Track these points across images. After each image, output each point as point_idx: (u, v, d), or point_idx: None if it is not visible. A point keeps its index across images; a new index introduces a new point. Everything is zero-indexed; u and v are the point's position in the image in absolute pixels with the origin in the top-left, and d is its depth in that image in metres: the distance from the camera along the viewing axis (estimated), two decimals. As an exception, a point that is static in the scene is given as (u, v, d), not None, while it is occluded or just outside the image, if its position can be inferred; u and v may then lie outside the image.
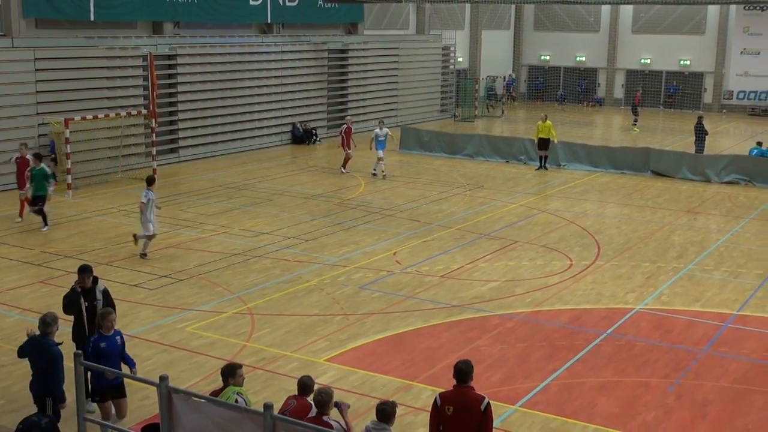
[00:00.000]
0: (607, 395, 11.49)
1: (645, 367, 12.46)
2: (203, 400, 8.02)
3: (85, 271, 10.80)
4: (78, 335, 10.70)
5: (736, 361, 12.74)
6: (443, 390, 10.73)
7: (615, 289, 16.00)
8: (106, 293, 10.88)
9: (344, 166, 27.54)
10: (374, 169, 26.86)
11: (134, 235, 17.55)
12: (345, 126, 27.83)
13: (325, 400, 8.31)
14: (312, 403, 8.65)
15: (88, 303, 10.63)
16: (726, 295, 15.85)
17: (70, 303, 10.71)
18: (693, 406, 11.24)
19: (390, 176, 26.56)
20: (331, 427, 8.14)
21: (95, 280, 10.83)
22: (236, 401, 8.44)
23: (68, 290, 10.94)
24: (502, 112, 45.92)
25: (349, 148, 27.43)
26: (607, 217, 22.16)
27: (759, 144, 29.17)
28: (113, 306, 10.73)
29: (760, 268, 17.61)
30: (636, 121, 39.74)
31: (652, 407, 11.15)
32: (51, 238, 18.77)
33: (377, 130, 26.82)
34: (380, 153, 26.36)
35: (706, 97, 48.62)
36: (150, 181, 17.48)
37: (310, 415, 8.41)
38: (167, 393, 7.93)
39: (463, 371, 8.08)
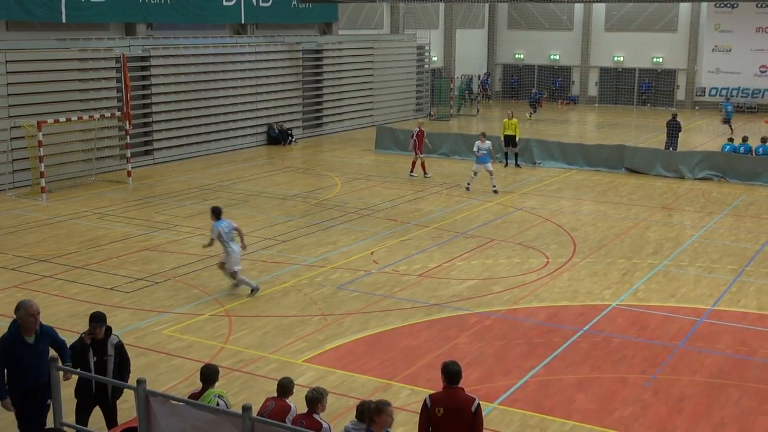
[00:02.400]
0: (584, 391, 11.56)
1: (622, 363, 12.54)
2: (181, 403, 7.98)
3: (97, 320, 9.31)
4: (82, 393, 9.47)
5: (712, 356, 12.86)
6: (423, 389, 10.76)
7: (591, 286, 16.09)
8: (119, 348, 9.39)
9: (412, 170, 26.97)
10: (468, 184, 24.80)
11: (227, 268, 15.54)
12: (417, 130, 27.22)
13: (316, 398, 8.32)
14: (291, 404, 8.66)
15: (97, 358, 9.25)
16: (701, 290, 15.99)
17: (76, 356, 9.33)
18: (670, 400, 11.33)
19: (500, 190, 24.83)
20: (320, 425, 8.15)
21: (108, 330, 9.38)
22: (217, 404, 8.41)
23: (75, 340, 9.55)
24: (477, 111, 46.06)
25: (421, 152, 26.83)
26: (583, 214, 22.28)
27: (731, 140, 29.48)
28: (127, 361, 9.51)
29: (734, 263, 17.78)
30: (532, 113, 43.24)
31: (630, 403, 11.22)
32: (25, 242, 18.59)
33: (479, 143, 24.63)
34: (489, 166, 24.49)
35: (678, 94, 49.05)
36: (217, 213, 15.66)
37: (299, 413, 8.41)
38: (145, 396, 7.88)
39: (453, 372, 8.02)
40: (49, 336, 9.20)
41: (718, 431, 10.55)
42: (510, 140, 28.84)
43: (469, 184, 24.87)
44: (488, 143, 24.83)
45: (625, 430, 10.50)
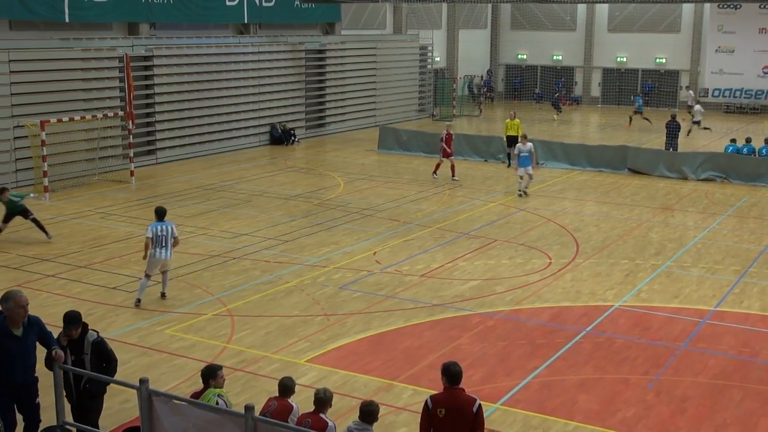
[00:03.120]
0: (587, 392, 11.55)
1: (625, 363, 12.53)
2: (184, 403, 7.99)
3: (71, 322, 8.97)
4: (68, 394, 9.18)
5: (714, 357, 12.84)
6: (425, 389, 10.75)
7: (594, 287, 16.08)
8: (97, 345, 9.04)
9: (435, 171, 26.64)
10: (520, 190, 24.23)
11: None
12: (445, 132, 26.83)
13: (327, 398, 8.38)
14: (293, 404, 8.67)
15: (74, 357, 9.00)
16: (704, 291, 15.97)
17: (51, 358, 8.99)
18: (672, 401, 11.31)
19: (531, 194, 24.41)
20: (326, 424, 8.17)
21: (84, 328, 9.06)
22: (217, 403, 8.41)
23: None
24: (480, 112, 46.05)
25: (451, 155, 26.50)
26: (586, 215, 22.27)
27: (733, 141, 29.45)
28: (110, 359, 9.19)
29: (737, 264, 17.76)
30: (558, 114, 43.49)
31: (632, 403, 11.21)
32: (28, 242, 18.60)
33: (520, 145, 24.26)
34: (529, 170, 23.93)
35: (681, 95, 49.00)
36: (159, 214, 14.89)
37: (305, 412, 8.43)
38: (147, 396, 7.90)
39: (454, 373, 8.01)
40: (36, 326, 8.79)
41: (720, 432, 10.55)
42: (512, 141, 28.81)
43: (520, 190, 24.15)
44: (530, 145, 24.29)
45: (628, 431, 10.49)
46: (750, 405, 11.26)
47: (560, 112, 44.74)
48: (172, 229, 14.62)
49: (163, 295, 14.93)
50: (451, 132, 27.26)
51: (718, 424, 10.73)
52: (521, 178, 24.16)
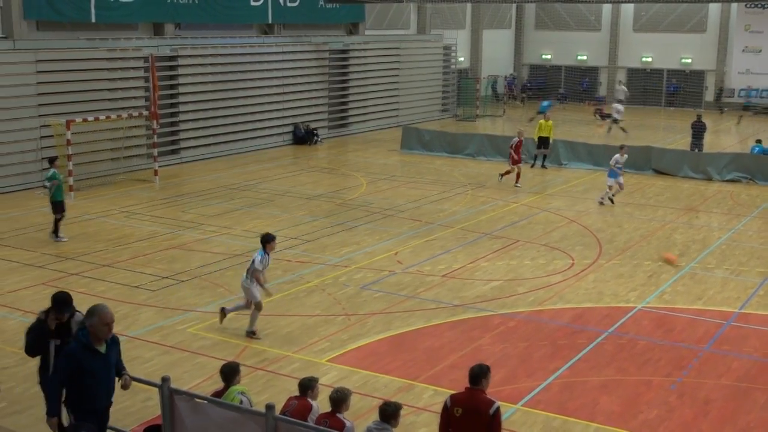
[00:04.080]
0: (609, 394, 11.49)
1: (647, 365, 12.45)
2: (205, 401, 8.03)
3: (63, 304, 8.52)
4: (45, 380, 8.78)
5: (738, 360, 12.73)
6: (445, 390, 10.75)
7: (617, 288, 15.99)
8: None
9: (516, 180, 25.57)
10: (602, 199, 23.35)
11: (224, 309, 13.70)
12: (516, 139, 25.94)
13: (341, 398, 8.36)
14: (313, 403, 8.68)
15: (60, 340, 8.48)
16: (728, 293, 15.84)
17: (35, 341, 8.59)
18: (695, 404, 11.23)
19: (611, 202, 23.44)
20: (343, 424, 8.17)
21: (72, 311, 8.66)
22: (240, 401, 8.45)
23: (34, 322, 8.77)
24: (503, 112, 45.89)
25: (518, 162, 25.65)
26: (609, 215, 22.14)
27: (759, 141, 29.17)
28: None
29: (762, 266, 17.59)
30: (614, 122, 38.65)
31: (655, 405, 11.14)
32: (53, 240, 18.75)
33: (618, 156, 23.25)
34: (620, 179, 23.14)
35: (707, 95, 48.58)
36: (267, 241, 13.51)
37: (323, 412, 8.44)
38: (169, 394, 7.94)
39: (474, 373, 8.04)
40: (117, 347, 8.24)
41: (744, 436, 10.45)
42: (544, 142, 28.66)
43: (603, 199, 23.22)
44: (626, 156, 23.66)
45: (650, 433, 10.44)
46: (774, 408, 11.16)
47: (608, 118, 40.66)
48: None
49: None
50: (522, 138, 26.26)
51: (741, 427, 10.64)
52: (610, 188, 23.17)
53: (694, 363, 12.60)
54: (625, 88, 45.94)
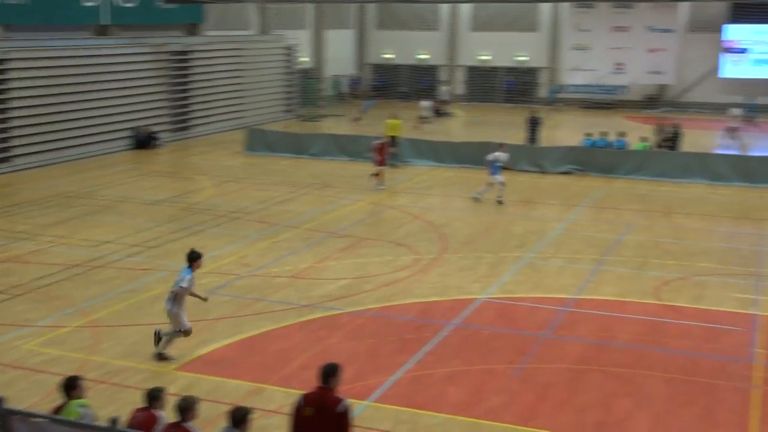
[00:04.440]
0: (455, 384, 11.81)
1: (491, 354, 12.88)
2: (44, 420, 7.70)
3: None
4: None
5: (575, 343, 13.37)
6: (297, 391, 10.72)
7: (461, 281, 16.45)
8: None
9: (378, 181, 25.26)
10: (479, 195, 23.66)
11: (158, 333, 12.72)
12: (377, 141, 25.55)
13: (187, 406, 8.16)
14: (160, 414, 8.48)
15: None
16: (564, 280, 16.59)
17: None
18: (536, 388, 11.71)
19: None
20: None
21: None
22: (81, 415, 8.14)
23: None
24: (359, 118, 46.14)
25: (383, 163, 25.29)
26: (452, 210, 22.73)
27: (589, 135, 30.71)
28: None
29: (595, 253, 18.54)
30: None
31: (498, 392, 11.54)
32: None
33: (498, 153, 23.46)
34: (499, 177, 23.12)
35: (541, 92, 50.64)
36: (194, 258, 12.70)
37: (169, 423, 8.24)
38: (5, 415, 7.58)
39: (323, 373, 8.09)
40: None
41: (582, 414, 10.98)
42: (393, 140, 28.95)
43: (500, 198, 23.29)
44: (508, 155, 23.82)
45: (495, 418, 10.80)
46: (610, 387, 11.79)
47: (442, 114, 43.82)
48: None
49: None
50: (384, 141, 26.06)
51: (579, 407, 11.18)
52: (490, 186, 23.42)
53: (534, 349, 13.13)
54: (449, 88, 48.21)
